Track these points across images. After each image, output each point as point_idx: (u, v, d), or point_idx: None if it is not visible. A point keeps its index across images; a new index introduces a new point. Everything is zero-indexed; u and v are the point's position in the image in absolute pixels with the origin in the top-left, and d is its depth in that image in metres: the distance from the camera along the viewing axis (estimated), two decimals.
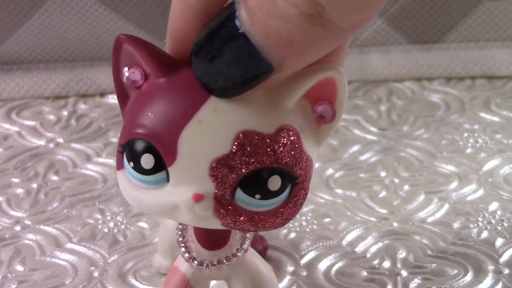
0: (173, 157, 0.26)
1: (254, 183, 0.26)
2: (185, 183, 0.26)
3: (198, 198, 0.26)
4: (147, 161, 0.27)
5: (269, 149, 0.26)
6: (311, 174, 0.28)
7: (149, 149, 0.26)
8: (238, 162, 0.26)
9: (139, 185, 0.27)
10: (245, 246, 0.31)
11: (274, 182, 0.26)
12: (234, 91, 0.26)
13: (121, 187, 0.28)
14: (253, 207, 0.27)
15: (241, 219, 0.27)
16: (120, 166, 0.28)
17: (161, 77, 0.27)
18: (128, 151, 0.27)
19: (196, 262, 0.30)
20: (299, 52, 0.24)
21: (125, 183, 0.28)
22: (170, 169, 0.26)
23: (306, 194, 0.28)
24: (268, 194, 0.26)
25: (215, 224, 0.27)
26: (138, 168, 0.27)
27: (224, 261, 0.30)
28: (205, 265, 0.30)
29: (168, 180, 0.27)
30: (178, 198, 0.26)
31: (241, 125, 0.26)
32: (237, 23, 0.24)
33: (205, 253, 0.31)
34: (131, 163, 0.27)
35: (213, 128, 0.26)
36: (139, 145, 0.27)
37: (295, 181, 0.27)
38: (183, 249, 0.31)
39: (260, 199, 0.26)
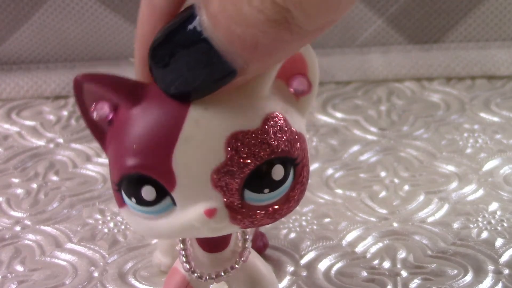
0: (172, 181, 0.26)
1: (259, 180, 0.26)
2: (193, 202, 0.26)
3: (210, 213, 0.26)
4: (147, 193, 0.26)
5: (262, 143, 0.26)
6: (307, 147, 0.28)
7: (146, 181, 0.26)
8: (237, 166, 0.26)
9: (147, 217, 0.27)
10: (244, 257, 0.31)
11: (278, 172, 0.26)
12: (194, 95, 0.25)
13: (129, 223, 0.28)
14: (265, 201, 0.27)
15: (257, 216, 0.27)
16: (121, 204, 0.27)
17: (133, 106, 0.26)
18: (125, 188, 0.27)
19: (195, 274, 0.30)
20: (263, 56, 0.24)
21: (133, 218, 0.27)
22: (173, 194, 0.26)
23: (308, 168, 0.28)
24: (275, 185, 0.26)
25: (233, 229, 0.27)
26: (141, 201, 0.26)
27: (222, 274, 0.30)
28: (204, 278, 0.30)
29: (175, 204, 0.26)
30: (191, 218, 0.26)
31: (227, 129, 0.26)
32: (198, 28, 0.24)
33: (205, 256, 0.31)
34: (133, 199, 0.26)
35: (202, 141, 0.26)
36: (134, 180, 0.26)
37: (296, 162, 0.27)
38: (183, 258, 0.31)
39: (269, 192, 0.26)
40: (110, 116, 0.27)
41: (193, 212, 0.26)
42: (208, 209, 0.26)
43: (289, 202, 0.27)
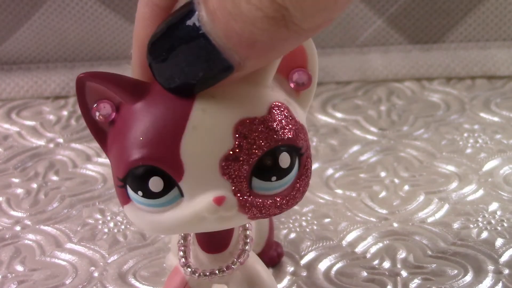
0: (180, 171, 0.26)
1: (267, 167, 0.26)
2: (202, 192, 0.26)
3: (219, 200, 0.26)
4: (155, 184, 0.26)
5: (269, 130, 0.26)
6: (309, 140, 0.28)
7: (154, 172, 0.26)
8: (245, 152, 0.26)
9: (153, 211, 0.27)
10: (241, 259, 0.30)
11: (284, 159, 0.26)
12: (192, 90, 0.26)
13: (133, 220, 0.28)
14: (272, 190, 0.27)
15: (266, 205, 0.27)
16: (125, 201, 0.27)
17: (136, 102, 0.26)
18: (131, 182, 0.26)
19: (189, 269, 0.30)
20: (260, 52, 0.24)
21: (138, 214, 0.27)
22: (181, 184, 0.26)
23: (311, 160, 0.28)
24: (282, 173, 0.27)
25: (242, 220, 0.27)
26: (148, 194, 0.26)
27: (217, 272, 0.30)
28: (197, 274, 0.30)
29: (182, 195, 0.26)
30: (200, 207, 0.26)
31: (234, 116, 0.26)
32: (197, 23, 0.24)
33: (204, 257, 0.30)
34: (139, 192, 0.26)
35: (209, 129, 0.26)
36: (142, 172, 0.26)
37: (300, 152, 0.27)
38: (181, 253, 0.31)
39: (276, 180, 0.26)
40: (112, 116, 0.27)
41: (202, 201, 0.26)
42: (217, 197, 0.26)
43: (295, 193, 0.27)
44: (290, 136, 0.26)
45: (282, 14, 0.23)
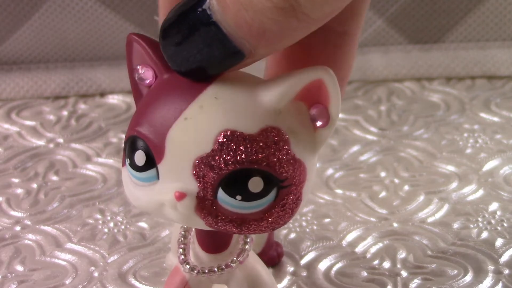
0: (161, 154, 0.26)
1: (234, 184, 0.26)
2: (172, 181, 0.27)
3: (180, 196, 0.26)
4: (139, 158, 0.27)
5: (249, 150, 0.26)
6: (304, 179, 0.27)
7: (142, 146, 0.27)
8: (219, 161, 0.26)
9: (135, 182, 0.28)
10: (241, 258, 0.30)
11: (256, 184, 0.26)
12: (202, 74, 0.26)
13: (123, 183, 0.29)
14: (235, 209, 0.26)
15: (224, 220, 0.27)
16: (123, 162, 0.28)
17: (166, 74, 0.27)
18: (127, 148, 0.28)
19: (188, 266, 0.30)
20: (270, 41, 0.25)
21: (125, 180, 0.28)
22: (159, 167, 0.27)
23: (298, 199, 0.27)
24: (249, 196, 0.26)
25: (199, 223, 0.27)
26: (132, 164, 0.27)
27: (216, 270, 0.30)
28: (195, 271, 0.30)
29: (158, 177, 0.27)
30: (164, 196, 0.27)
31: (224, 124, 0.26)
32: (208, 11, 0.24)
33: (204, 256, 0.31)
34: (128, 160, 0.27)
35: (198, 126, 0.26)
36: (135, 143, 0.27)
37: (281, 185, 0.26)
38: (180, 250, 0.31)
39: (241, 200, 0.26)
40: (148, 82, 0.28)
41: (168, 190, 0.27)
42: (179, 192, 0.26)
43: (261, 221, 0.27)
44: (270, 163, 0.26)
45: (291, 4, 0.23)
